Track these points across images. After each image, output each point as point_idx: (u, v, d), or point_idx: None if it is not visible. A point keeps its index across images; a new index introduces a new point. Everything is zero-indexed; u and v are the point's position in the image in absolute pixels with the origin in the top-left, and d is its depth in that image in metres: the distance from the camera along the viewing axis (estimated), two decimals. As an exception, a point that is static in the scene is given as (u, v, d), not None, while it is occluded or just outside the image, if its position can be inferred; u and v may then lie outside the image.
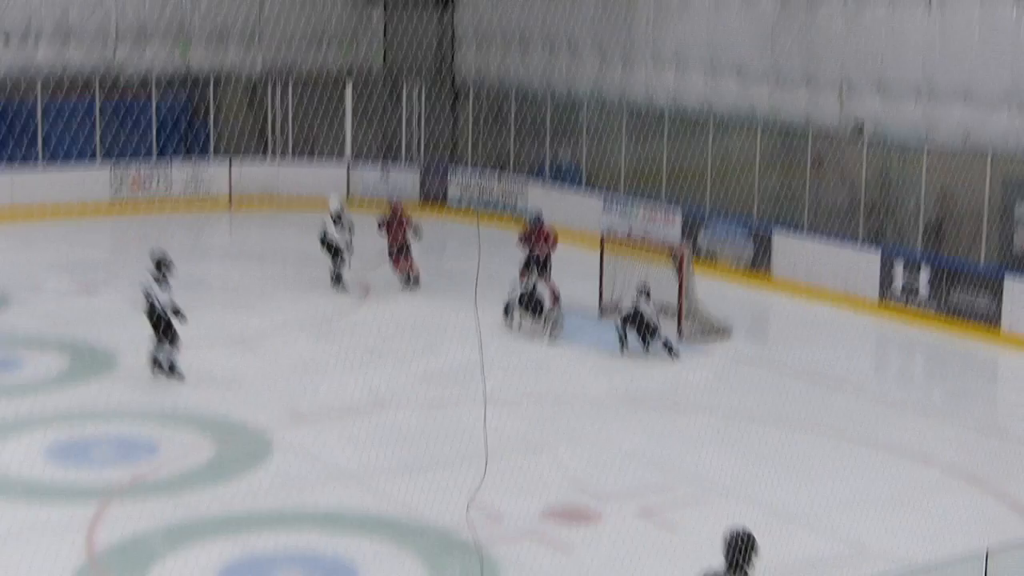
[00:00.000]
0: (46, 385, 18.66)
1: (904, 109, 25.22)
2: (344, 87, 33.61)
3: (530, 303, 21.82)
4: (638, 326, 20.68)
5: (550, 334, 21.58)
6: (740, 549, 9.37)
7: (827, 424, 17.91)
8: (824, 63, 26.51)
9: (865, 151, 25.49)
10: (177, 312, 18.57)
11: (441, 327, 21.82)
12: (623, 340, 20.76)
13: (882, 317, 23.82)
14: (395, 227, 24.52)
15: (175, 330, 18.62)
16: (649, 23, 29.99)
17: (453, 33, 34.59)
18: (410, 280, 24.56)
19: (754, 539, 9.38)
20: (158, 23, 32.46)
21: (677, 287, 21.89)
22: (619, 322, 20.89)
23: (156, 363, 18.76)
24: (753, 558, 9.37)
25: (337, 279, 24.43)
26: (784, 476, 15.91)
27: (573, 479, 15.70)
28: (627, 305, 20.87)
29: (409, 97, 34.02)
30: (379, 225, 24.67)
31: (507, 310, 22.05)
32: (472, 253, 24.45)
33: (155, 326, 18.60)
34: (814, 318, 23.94)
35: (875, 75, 25.64)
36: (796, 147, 26.82)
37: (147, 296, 18.64)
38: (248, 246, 29.42)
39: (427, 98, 34.12)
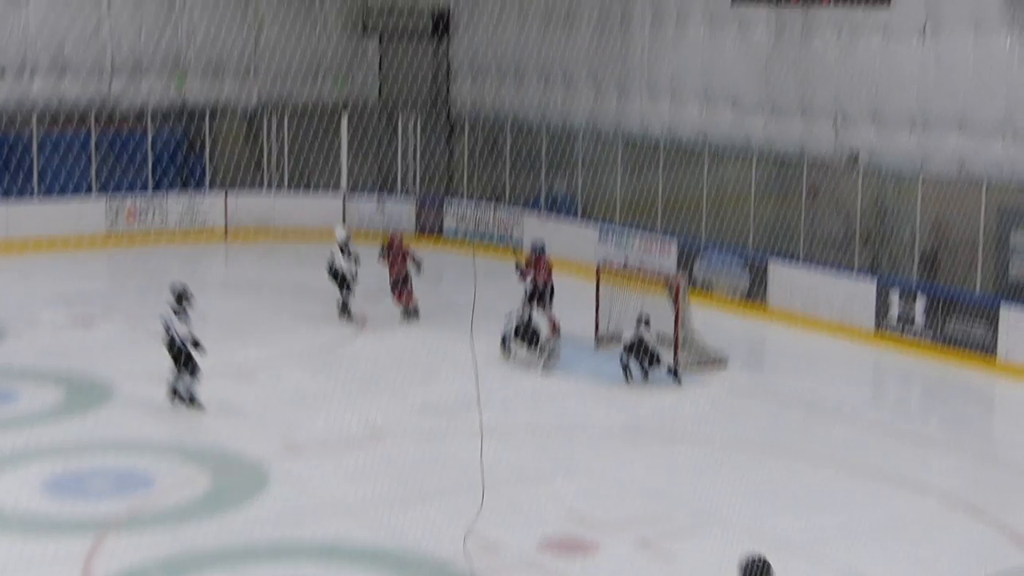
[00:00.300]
0: (42, 418, 18.63)
1: (899, 138, 25.28)
2: (340, 119, 33.67)
3: (526, 333, 21.82)
4: (640, 354, 20.70)
5: (544, 364, 21.56)
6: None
7: (824, 454, 17.90)
8: (819, 93, 26.59)
9: (860, 180, 25.53)
10: (196, 344, 18.73)
11: (438, 358, 21.81)
12: (627, 370, 20.79)
13: (878, 347, 23.82)
14: (395, 258, 24.50)
15: (195, 361, 18.76)
16: (644, 54, 30.08)
17: (448, 65, 34.69)
18: (409, 312, 24.53)
19: (769, 565, 9.39)
20: (153, 56, 32.54)
21: (673, 317, 21.91)
22: (623, 352, 20.90)
23: (176, 394, 18.90)
24: None
25: (344, 309, 24.43)
26: (782, 506, 15.91)
27: (570, 510, 15.67)
28: (629, 335, 20.89)
29: (405, 129, 34.08)
30: (380, 256, 24.69)
31: (504, 341, 22.05)
32: (468, 284, 24.45)
33: (175, 358, 18.77)
34: (810, 348, 23.94)
35: (870, 105, 25.71)
36: (791, 177, 26.86)
37: (166, 328, 18.80)
38: (244, 278, 29.41)
39: (423, 130, 34.18)
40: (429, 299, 25.28)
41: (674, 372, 20.91)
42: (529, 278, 23.75)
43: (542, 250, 24.26)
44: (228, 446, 17.55)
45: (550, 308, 23.40)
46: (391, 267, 24.51)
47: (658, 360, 20.74)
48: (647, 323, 20.79)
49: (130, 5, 32.26)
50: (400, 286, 24.50)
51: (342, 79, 34.62)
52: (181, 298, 18.88)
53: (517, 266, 24.10)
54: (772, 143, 27.38)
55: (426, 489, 16.11)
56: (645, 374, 20.78)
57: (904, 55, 25.12)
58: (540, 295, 23.66)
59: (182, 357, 18.71)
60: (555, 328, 22.14)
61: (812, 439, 18.57)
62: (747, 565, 9.45)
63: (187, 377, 18.80)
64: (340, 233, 24.98)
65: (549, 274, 24.00)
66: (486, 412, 17.99)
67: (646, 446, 18.33)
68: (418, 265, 24.50)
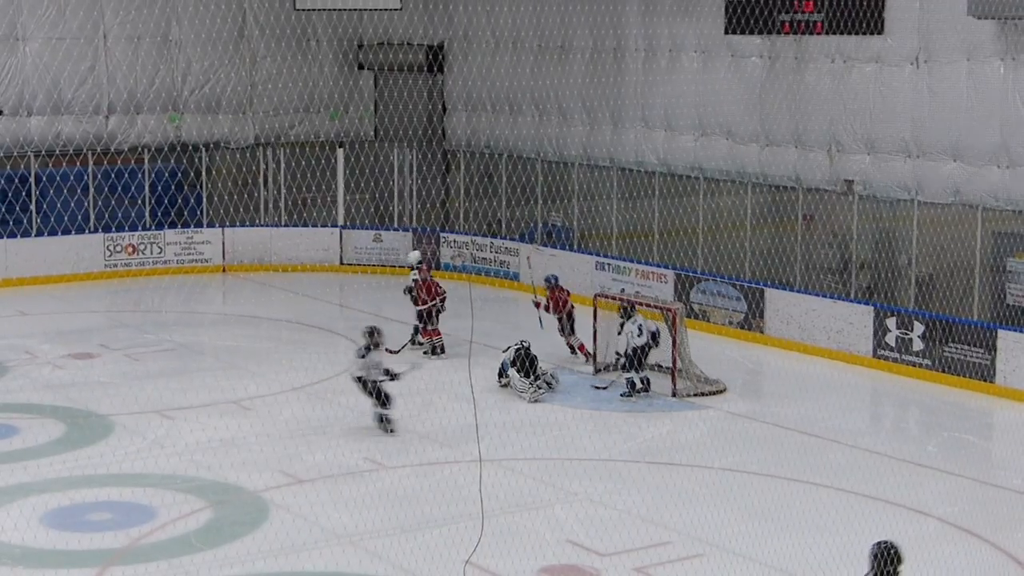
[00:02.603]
0: (43, 452, 18.64)
1: (894, 166, 25.37)
2: (336, 153, 33.79)
3: (523, 363, 21.84)
4: (639, 360, 21.42)
5: (533, 394, 21.53)
6: (886, 560, 10.22)
7: (822, 479, 17.91)
8: (813, 121, 26.68)
9: (856, 208, 25.60)
10: (389, 374, 19.67)
11: (436, 388, 21.84)
12: (633, 385, 21.40)
13: (876, 372, 23.87)
14: (429, 291, 24.47)
15: (385, 391, 19.62)
16: (638, 85, 30.19)
17: (443, 99, 34.81)
18: (434, 349, 24.46)
19: (899, 550, 10.30)
20: (149, 94, 32.64)
21: (670, 346, 22.00)
22: (630, 359, 21.50)
23: (382, 420, 19.66)
24: (899, 568, 10.27)
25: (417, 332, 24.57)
26: (781, 531, 15.93)
27: (569, 537, 15.69)
28: (638, 337, 21.23)
29: (400, 162, 34.17)
30: (405, 290, 24.74)
31: (501, 371, 22.09)
32: (465, 316, 24.54)
33: (369, 393, 19.63)
34: (808, 374, 23.97)
35: (864, 134, 25.82)
36: (786, 205, 26.94)
37: (354, 371, 19.91)
38: (242, 311, 29.43)
39: (418, 164, 34.27)
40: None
41: (647, 383, 21.69)
42: (542, 307, 24.05)
43: (556, 282, 24.36)
44: (228, 478, 17.58)
45: (574, 335, 24.04)
46: (422, 301, 24.41)
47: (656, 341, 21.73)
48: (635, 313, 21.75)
49: (124, 44, 32.39)
50: (430, 321, 24.34)
51: (337, 113, 34.80)
52: (372, 335, 19.74)
53: (536, 302, 24.15)
54: (767, 172, 27.48)
55: (425, 518, 16.14)
56: (646, 383, 21.60)
57: (898, 83, 25.25)
58: (562, 325, 24.11)
59: (375, 391, 19.60)
60: (585, 352, 23.50)
61: (810, 465, 18.58)
62: (878, 552, 9.99)
63: (381, 406, 19.68)
64: (413, 256, 25.22)
65: (567, 303, 24.16)
66: (484, 440, 18.09)
67: (645, 472, 18.34)
68: (442, 300, 24.40)
